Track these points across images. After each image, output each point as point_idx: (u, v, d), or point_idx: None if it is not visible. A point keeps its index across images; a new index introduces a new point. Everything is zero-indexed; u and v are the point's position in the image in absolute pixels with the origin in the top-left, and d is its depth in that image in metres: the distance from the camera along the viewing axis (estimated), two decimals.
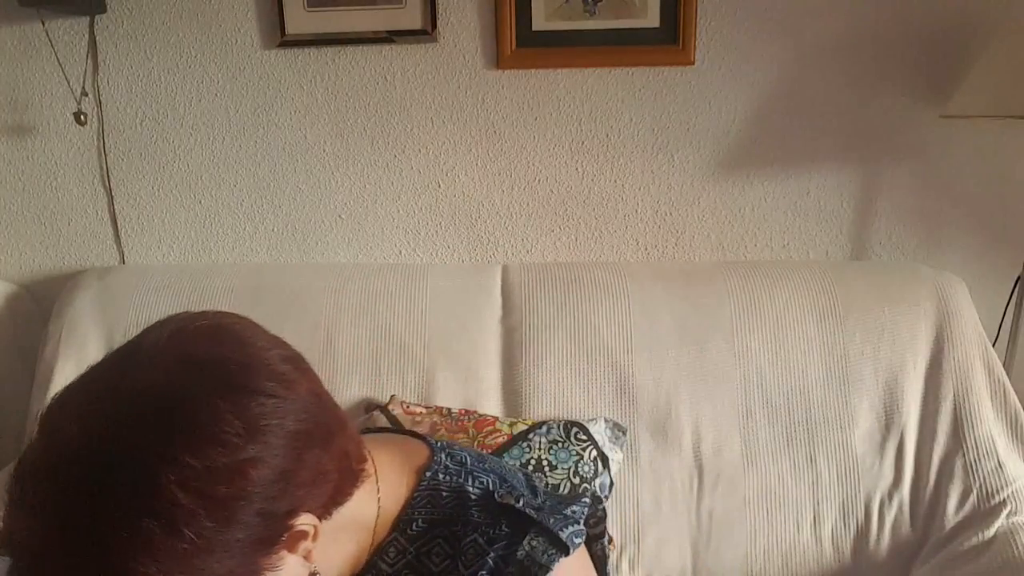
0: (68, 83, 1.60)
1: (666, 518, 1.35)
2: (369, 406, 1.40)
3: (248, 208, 1.68)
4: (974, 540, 1.26)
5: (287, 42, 1.57)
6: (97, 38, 1.60)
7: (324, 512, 0.63)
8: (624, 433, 1.38)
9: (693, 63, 1.54)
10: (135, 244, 1.71)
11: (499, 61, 1.56)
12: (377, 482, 0.71)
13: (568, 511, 0.73)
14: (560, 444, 1.31)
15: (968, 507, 1.31)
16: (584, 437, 1.32)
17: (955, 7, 1.49)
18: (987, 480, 1.31)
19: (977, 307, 1.45)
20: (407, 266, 1.61)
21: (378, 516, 0.71)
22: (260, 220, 1.69)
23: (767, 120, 1.57)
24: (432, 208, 1.66)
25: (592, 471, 1.30)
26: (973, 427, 1.34)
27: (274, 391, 0.59)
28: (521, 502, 0.71)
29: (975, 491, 1.31)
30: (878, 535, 1.33)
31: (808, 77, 1.54)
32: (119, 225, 1.70)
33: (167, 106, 1.64)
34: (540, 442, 1.31)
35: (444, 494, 0.72)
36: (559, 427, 1.33)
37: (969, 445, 1.33)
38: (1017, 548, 1.22)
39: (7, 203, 1.70)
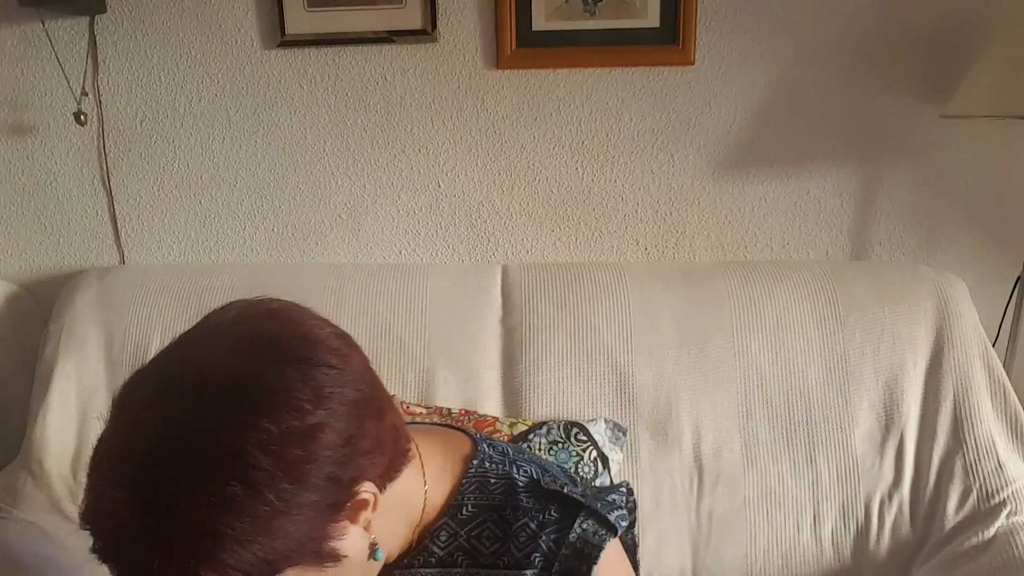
0: (68, 83, 1.60)
1: (666, 518, 1.35)
2: None
3: (248, 208, 1.68)
4: (974, 540, 1.26)
5: (287, 42, 1.57)
6: (97, 38, 1.60)
7: (381, 484, 0.66)
8: (624, 433, 1.38)
9: (693, 63, 1.54)
10: (135, 244, 1.71)
11: (499, 61, 1.56)
12: (423, 466, 0.74)
13: (609, 498, 0.76)
14: (560, 444, 1.31)
15: (968, 507, 1.31)
16: (584, 438, 1.32)
17: (955, 7, 1.49)
18: (987, 480, 1.31)
19: (977, 307, 1.45)
20: (407, 266, 1.61)
21: (425, 499, 0.74)
22: (260, 220, 1.69)
23: (767, 120, 1.57)
24: (432, 208, 1.66)
25: (592, 471, 1.30)
26: (973, 427, 1.34)
27: (333, 363, 0.63)
28: (566, 489, 0.74)
29: (975, 491, 1.31)
30: (878, 535, 1.33)
31: (808, 77, 1.54)
32: (119, 225, 1.70)
33: (167, 106, 1.64)
34: (540, 442, 1.31)
35: (492, 481, 0.75)
36: (559, 427, 1.33)
37: (969, 445, 1.33)
38: (1017, 548, 1.22)
39: (7, 203, 1.70)
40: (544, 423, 1.34)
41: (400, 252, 1.69)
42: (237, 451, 0.55)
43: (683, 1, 1.49)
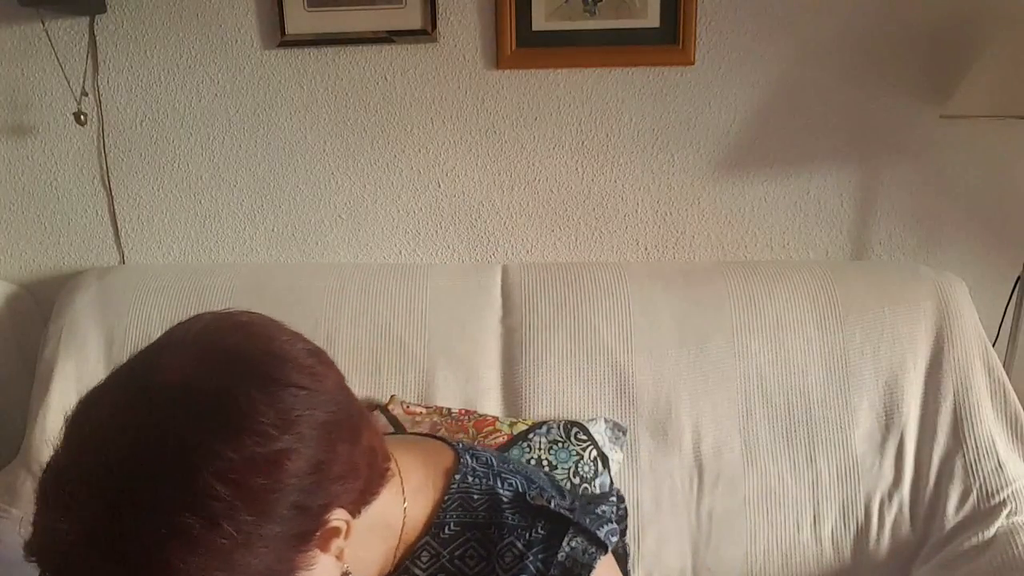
0: (68, 83, 1.60)
1: (666, 518, 1.35)
2: (369, 406, 1.40)
3: (248, 208, 1.68)
4: (974, 540, 1.26)
5: (287, 42, 1.57)
6: (97, 38, 1.60)
7: (355, 509, 0.63)
8: (624, 433, 1.38)
9: (693, 63, 1.54)
10: (135, 244, 1.71)
11: (499, 61, 1.56)
12: (402, 483, 0.71)
13: (599, 510, 0.73)
14: (560, 444, 1.31)
15: (968, 507, 1.31)
16: (584, 437, 1.32)
17: (955, 7, 1.49)
18: (987, 480, 1.31)
19: (977, 307, 1.45)
20: (407, 266, 1.61)
21: (405, 518, 0.70)
22: (260, 220, 1.69)
23: (767, 120, 1.57)
24: (432, 208, 1.66)
25: (592, 471, 1.30)
26: (973, 427, 1.34)
27: (304, 383, 0.59)
28: (553, 503, 0.71)
29: (975, 491, 1.31)
30: (878, 535, 1.33)
31: (808, 77, 1.54)
32: (119, 225, 1.70)
33: (167, 106, 1.64)
34: (540, 442, 1.31)
35: (476, 497, 0.72)
36: (559, 427, 1.33)
37: (969, 445, 1.33)
38: (1017, 548, 1.21)
39: (7, 203, 1.70)
40: (544, 423, 1.34)
41: (400, 252, 1.69)
42: (195, 480, 0.51)
43: (683, 1, 1.49)
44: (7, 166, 1.67)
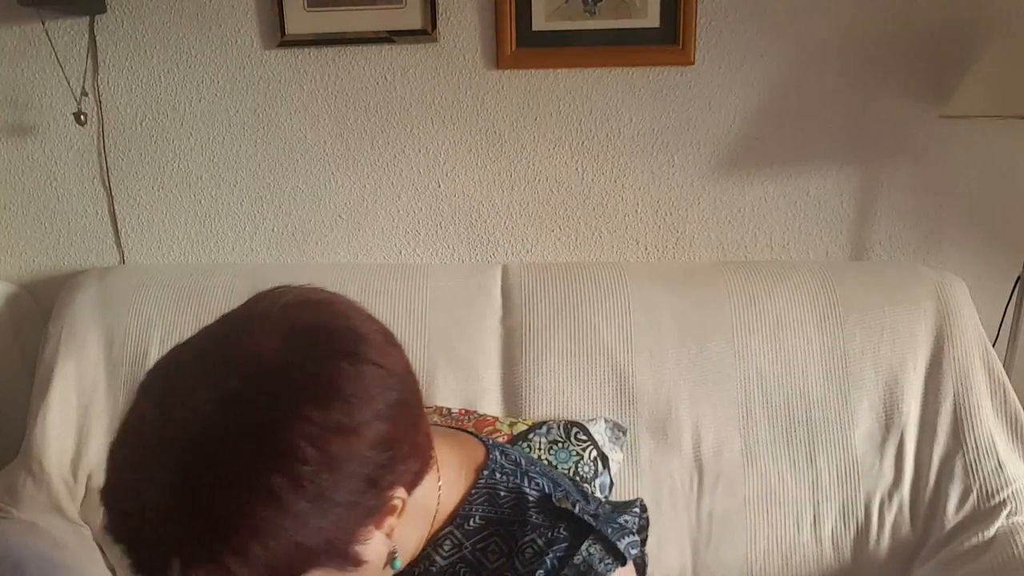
0: (68, 83, 1.60)
1: (666, 518, 1.35)
2: None
3: (248, 208, 1.68)
4: (974, 540, 1.26)
5: (287, 42, 1.57)
6: (97, 38, 1.60)
7: (409, 490, 0.64)
8: (624, 433, 1.38)
9: (693, 63, 1.54)
10: (135, 244, 1.71)
11: (499, 61, 1.56)
12: (438, 472, 0.72)
13: (622, 520, 0.73)
14: (560, 444, 1.31)
15: (968, 507, 1.31)
16: (584, 437, 1.32)
17: (955, 7, 1.49)
18: (987, 480, 1.31)
19: (977, 307, 1.45)
20: (407, 266, 1.61)
21: (438, 507, 0.71)
22: (260, 220, 1.69)
23: (767, 120, 1.57)
24: (432, 208, 1.66)
25: (592, 471, 1.30)
26: (973, 427, 1.34)
27: (381, 362, 0.61)
28: (578, 508, 0.71)
29: (975, 491, 1.31)
30: (878, 535, 1.33)
31: (808, 77, 1.54)
32: (119, 225, 1.70)
33: (167, 106, 1.64)
34: (540, 442, 1.31)
35: (502, 493, 0.73)
36: (559, 427, 1.33)
37: (969, 445, 1.33)
38: (1017, 548, 1.22)
39: (7, 203, 1.70)
40: (544, 423, 1.34)
41: (400, 252, 1.69)
42: (285, 442, 0.54)
43: (683, 1, 1.49)
44: (7, 166, 1.67)
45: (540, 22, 1.53)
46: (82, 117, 1.58)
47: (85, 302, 1.53)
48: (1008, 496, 1.29)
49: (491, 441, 0.79)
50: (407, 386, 0.63)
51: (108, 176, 1.67)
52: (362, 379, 0.58)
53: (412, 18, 1.54)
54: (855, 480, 1.35)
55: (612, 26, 1.52)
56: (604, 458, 1.32)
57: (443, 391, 1.42)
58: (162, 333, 1.48)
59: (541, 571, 0.68)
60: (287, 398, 0.55)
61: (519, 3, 1.52)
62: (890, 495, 1.35)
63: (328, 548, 0.56)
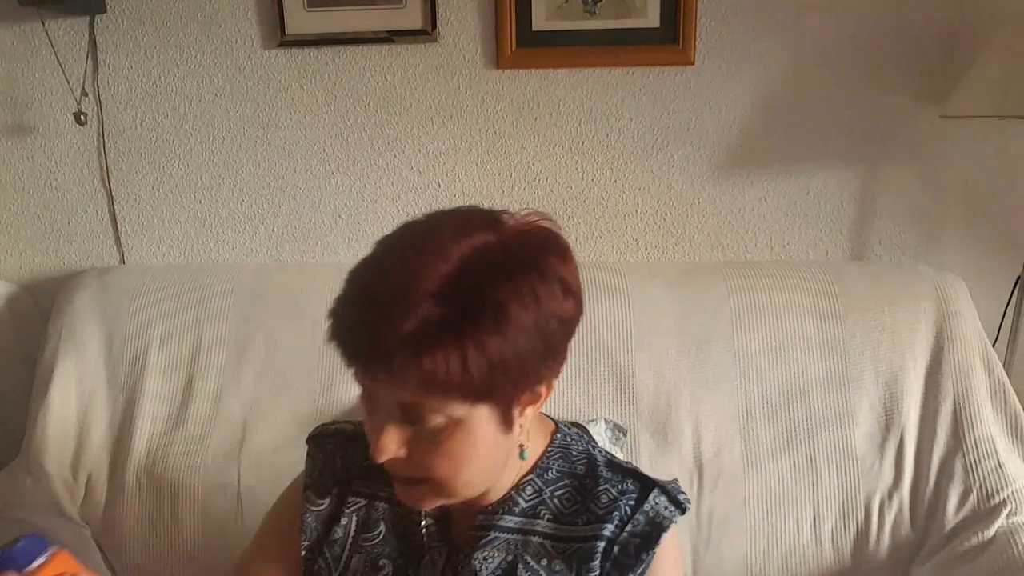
0: (68, 83, 1.60)
1: None
2: None
3: (248, 208, 1.68)
4: (974, 540, 1.26)
5: (287, 42, 1.57)
6: (97, 38, 1.60)
7: (546, 393, 0.74)
8: (624, 433, 1.38)
9: (693, 63, 1.54)
10: (135, 244, 1.71)
11: (499, 61, 1.56)
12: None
13: (674, 481, 0.83)
14: None
15: (968, 507, 1.30)
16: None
17: (955, 7, 1.49)
18: (987, 480, 1.31)
19: (977, 307, 1.45)
20: None
21: (525, 452, 0.80)
22: (260, 220, 1.69)
23: (767, 120, 1.57)
24: (432, 208, 1.65)
25: None
26: (973, 427, 1.34)
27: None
28: (640, 470, 0.82)
29: (975, 491, 1.31)
30: (878, 535, 1.33)
31: (808, 77, 1.54)
32: (119, 225, 1.70)
33: (167, 106, 1.64)
34: None
35: (575, 453, 0.83)
36: None
37: (969, 445, 1.33)
38: (1017, 548, 1.22)
39: (7, 203, 1.70)
40: None
41: None
42: (539, 261, 0.68)
43: (683, 1, 1.49)
44: (7, 166, 1.67)
45: (540, 22, 1.53)
46: (82, 117, 1.58)
47: (85, 302, 1.53)
48: (1008, 496, 1.29)
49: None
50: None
51: (108, 176, 1.67)
52: (572, 272, 0.72)
53: (412, 18, 1.54)
54: (855, 480, 1.35)
55: (612, 26, 1.52)
56: None
57: None
58: (162, 333, 1.48)
59: (616, 514, 0.77)
60: (545, 242, 0.70)
61: (519, 3, 1.52)
62: (890, 495, 1.35)
63: (512, 384, 0.67)
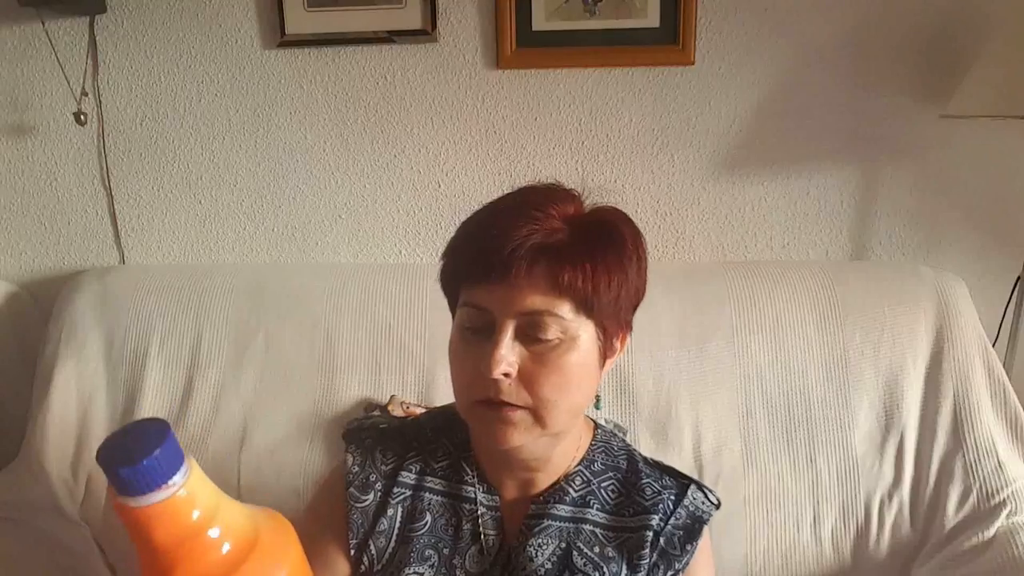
0: (68, 83, 1.60)
1: None
2: (369, 406, 1.40)
3: (248, 208, 1.68)
4: (974, 540, 1.26)
5: (287, 42, 1.57)
6: (97, 38, 1.60)
7: (621, 347, 0.82)
8: (624, 433, 1.37)
9: (693, 63, 1.54)
10: (135, 244, 1.71)
11: (499, 61, 1.56)
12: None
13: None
14: None
15: (968, 507, 1.30)
16: None
17: (955, 7, 1.49)
18: (987, 480, 1.31)
19: (977, 307, 1.44)
20: (407, 266, 1.61)
21: (599, 402, 0.86)
22: (260, 220, 1.69)
23: (767, 120, 1.57)
24: (432, 208, 1.66)
25: None
26: (973, 427, 1.34)
27: None
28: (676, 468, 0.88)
29: (975, 491, 1.31)
30: (878, 535, 1.33)
31: (808, 77, 1.54)
32: (119, 225, 1.70)
33: (167, 106, 1.64)
34: None
35: (615, 448, 0.88)
36: None
37: (969, 445, 1.33)
38: (1017, 548, 1.21)
39: (7, 203, 1.70)
40: None
41: (400, 252, 1.69)
42: (637, 231, 0.79)
43: (683, 1, 1.49)
44: (7, 166, 1.67)
45: (540, 22, 1.53)
46: (82, 117, 1.58)
47: (85, 302, 1.53)
48: (1008, 496, 1.29)
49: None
50: None
51: (108, 176, 1.67)
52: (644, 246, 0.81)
53: (412, 18, 1.54)
54: (855, 480, 1.35)
55: (612, 26, 1.52)
56: None
57: (443, 391, 1.42)
58: (162, 333, 1.48)
59: (660, 506, 0.82)
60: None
61: (519, 3, 1.52)
62: (890, 495, 1.35)
63: (616, 314, 0.76)
